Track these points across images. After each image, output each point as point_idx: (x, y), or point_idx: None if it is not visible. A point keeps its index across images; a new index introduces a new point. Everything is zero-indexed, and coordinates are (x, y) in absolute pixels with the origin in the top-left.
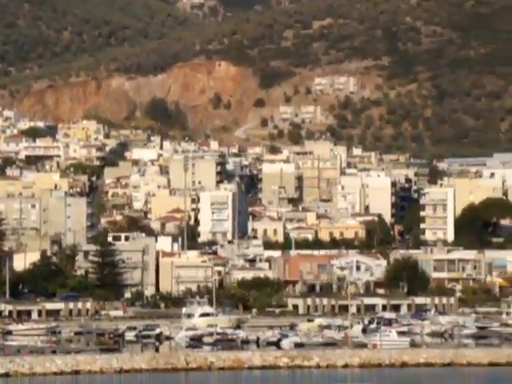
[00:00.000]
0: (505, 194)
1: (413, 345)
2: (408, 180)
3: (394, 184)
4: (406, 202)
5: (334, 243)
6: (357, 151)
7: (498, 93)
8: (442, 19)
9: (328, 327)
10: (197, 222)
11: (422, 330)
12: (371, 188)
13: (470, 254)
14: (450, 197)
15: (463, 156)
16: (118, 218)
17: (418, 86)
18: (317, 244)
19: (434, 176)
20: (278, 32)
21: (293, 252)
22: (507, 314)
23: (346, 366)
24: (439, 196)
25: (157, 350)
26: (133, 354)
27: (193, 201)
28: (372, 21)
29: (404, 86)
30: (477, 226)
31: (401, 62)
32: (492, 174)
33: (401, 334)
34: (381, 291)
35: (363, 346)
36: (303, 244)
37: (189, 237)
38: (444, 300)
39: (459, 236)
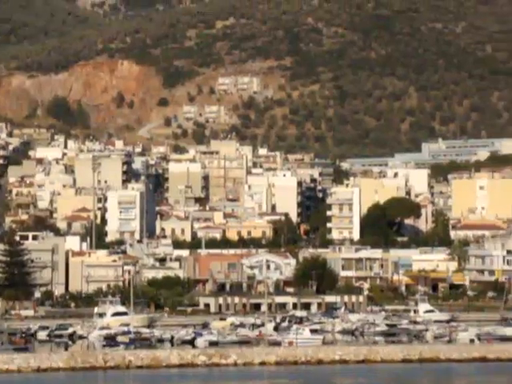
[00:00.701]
0: (408, 193)
1: (325, 342)
2: (313, 180)
3: (299, 184)
4: (312, 202)
5: (242, 242)
6: (262, 151)
7: (399, 94)
8: (343, 21)
9: (241, 326)
10: (104, 221)
11: (333, 328)
12: (277, 187)
13: (377, 253)
14: (355, 196)
15: (365, 156)
16: (24, 217)
17: (321, 86)
18: (225, 243)
19: (338, 176)
20: (181, 31)
21: (202, 251)
22: (415, 311)
23: (262, 363)
24: (345, 196)
25: (66, 349)
26: (50, 353)
27: (99, 200)
28: (274, 21)
29: (306, 86)
30: (382, 225)
31: (303, 62)
32: (395, 174)
33: (313, 331)
34: (290, 290)
35: (277, 344)
36: (211, 243)
37: (96, 236)
38: (353, 298)
39: (365, 235)
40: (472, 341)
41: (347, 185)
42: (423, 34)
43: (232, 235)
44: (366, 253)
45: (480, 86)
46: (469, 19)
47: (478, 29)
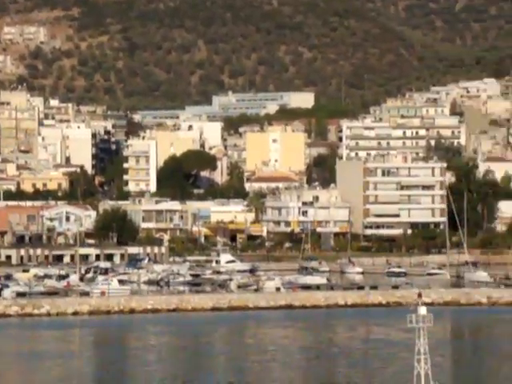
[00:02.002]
0: (202, 146)
1: (133, 292)
2: (107, 132)
3: (93, 135)
4: (106, 154)
5: (38, 194)
6: (54, 102)
7: (188, 47)
8: None
9: (45, 277)
10: None
11: (138, 279)
12: (71, 139)
13: (177, 205)
14: (152, 149)
15: (156, 108)
16: None
17: (109, 38)
18: (20, 195)
19: (131, 128)
20: None
21: (1, 203)
22: (217, 262)
23: (75, 313)
24: (141, 148)
25: None
26: None
27: None
28: None
29: (95, 37)
30: (178, 178)
31: (91, 13)
32: (190, 127)
33: (121, 282)
34: (91, 241)
35: (86, 294)
36: (7, 195)
37: None
38: (155, 249)
39: (161, 187)
40: (278, 289)
41: (143, 137)
42: None
43: (27, 187)
44: (166, 205)
45: (267, 39)
46: None
47: None
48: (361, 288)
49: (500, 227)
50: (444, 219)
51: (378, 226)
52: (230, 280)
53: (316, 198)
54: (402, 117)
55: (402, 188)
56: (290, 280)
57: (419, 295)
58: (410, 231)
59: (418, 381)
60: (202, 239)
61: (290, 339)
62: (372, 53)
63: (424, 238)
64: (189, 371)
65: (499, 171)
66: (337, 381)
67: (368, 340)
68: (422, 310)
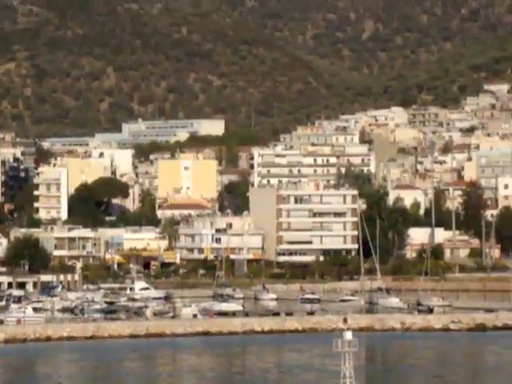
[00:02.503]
0: (113, 173)
1: (47, 320)
2: (16, 159)
3: (3, 163)
4: (15, 181)
5: None
6: None
7: (97, 74)
8: None
9: None
10: None
11: (52, 306)
12: None
13: (90, 233)
14: (63, 176)
15: (65, 135)
16: None
17: (17, 64)
18: None
19: (40, 155)
20: None
21: None
22: (131, 289)
23: None
24: (52, 175)
25: None
26: None
27: None
28: None
29: (2, 64)
30: (90, 205)
31: None
32: (101, 154)
33: (35, 310)
34: (3, 269)
35: (0, 322)
36: None
37: None
38: (68, 277)
39: (73, 214)
40: (195, 316)
41: (54, 164)
42: (120, 14)
43: None
44: (79, 232)
45: (176, 67)
46: (164, 1)
47: (174, 11)
48: (276, 314)
49: (410, 254)
50: (356, 246)
51: (290, 253)
52: (146, 307)
53: (229, 225)
54: (313, 144)
55: (315, 215)
56: (205, 307)
57: (345, 320)
58: (322, 258)
59: None
60: (115, 266)
61: (204, 365)
62: (281, 81)
63: (336, 265)
64: None
65: (408, 198)
66: None
67: (284, 366)
68: (348, 335)
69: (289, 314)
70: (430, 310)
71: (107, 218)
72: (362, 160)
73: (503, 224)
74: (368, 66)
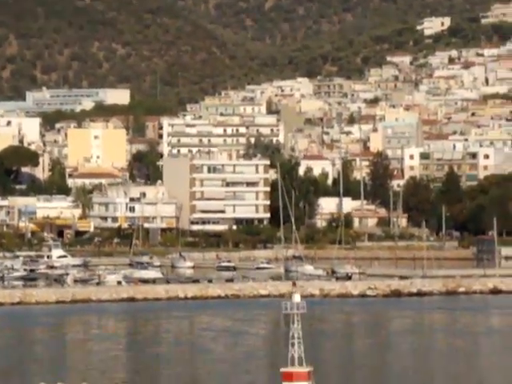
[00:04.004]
0: (21, 141)
1: None
2: None
3: None
4: None
5: None
6: None
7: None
8: None
9: None
10: None
11: None
12: None
13: (2, 201)
14: None
15: None
16: None
17: None
18: None
19: None
20: None
21: None
22: (48, 257)
23: None
24: None
25: None
26: None
27: None
28: None
29: None
30: (0, 174)
31: None
32: (9, 122)
33: None
34: None
35: None
36: None
37: None
38: None
39: None
40: (119, 283)
41: None
42: None
43: None
44: None
45: (80, 35)
46: None
47: None
48: (196, 281)
49: (320, 223)
50: (267, 215)
51: (204, 222)
52: (66, 274)
53: (143, 194)
54: (221, 115)
55: (228, 185)
56: (125, 274)
57: (294, 284)
58: (235, 227)
59: (292, 363)
60: (29, 235)
61: (122, 330)
62: (185, 50)
63: (249, 234)
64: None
65: (316, 169)
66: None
67: (201, 329)
68: (297, 298)
69: (209, 281)
70: (348, 277)
71: (17, 187)
72: (271, 130)
73: (410, 194)
74: (271, 36)
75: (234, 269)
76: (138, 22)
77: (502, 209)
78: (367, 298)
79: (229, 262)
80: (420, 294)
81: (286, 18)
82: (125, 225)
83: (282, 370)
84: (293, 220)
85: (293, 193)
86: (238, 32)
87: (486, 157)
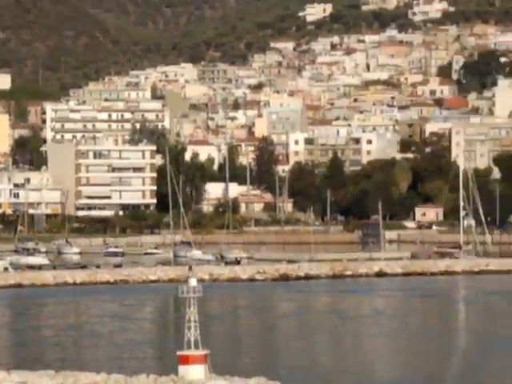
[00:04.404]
0: None
1: None
2: None
3: None
4: None
5: None
6: None
7: None
8: None
9: None
10: None
11: None
12: None
13: None
14: None
15: None
16: None
17: None
18: None
19: None
20: None
21: None
22: None
23: None
24: None
25: None
26: None
27: None
28: None
29: None
30: None
31: None
32: None
33: None
34: None
35: None
36: None
37: None
38: None
39: None
40: (6, 269)
41: None
42: None
43: None
44: None
45: None
46: None
47: None
48: (84, 267)
49: (207, 208)
50: (154, 201)
51: (90, 208)
52: None
53: (27, 180)
54: (106, 100)
55: (114, 170)
56: (11, 261)
57: (190, 268)
58: (121, 212)
59: (188, 346)
60: None
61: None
62: (67, 35)
63: (135, 219)
64: None
65: (202, 154)
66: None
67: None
68: (193, 282)
69: (97, 266)
70: (237, 262)
71: None
72: (157, 116)
73: (295, 179)
74: (154, 21)
75: (123, 254)
76: (18, 5)
77: (385, 193)
78: (256, 282)
79: (116, 247)
80: (308, 277)
81: (168, 3)
82: (9, 211)
83: (179, 353)
84: (181, 205)
85: (180, 178)
86: (120, 17)
87: (369, 142)
